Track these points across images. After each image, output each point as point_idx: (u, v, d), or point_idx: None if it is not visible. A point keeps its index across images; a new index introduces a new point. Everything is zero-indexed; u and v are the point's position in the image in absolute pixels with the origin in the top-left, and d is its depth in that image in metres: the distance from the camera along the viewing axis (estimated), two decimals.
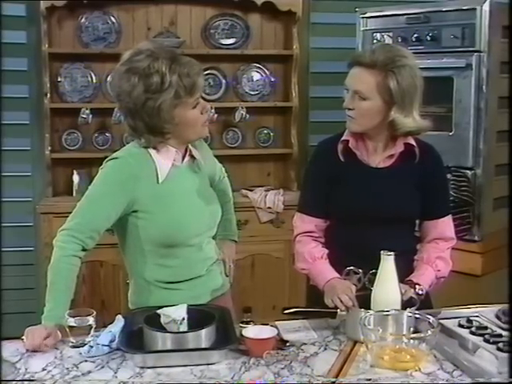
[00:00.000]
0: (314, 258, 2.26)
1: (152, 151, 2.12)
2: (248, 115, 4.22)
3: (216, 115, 4.10)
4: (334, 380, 1.71)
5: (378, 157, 2.26)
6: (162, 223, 2.10)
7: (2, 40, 3.86)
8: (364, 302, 1.99)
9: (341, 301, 2.02)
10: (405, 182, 2.25)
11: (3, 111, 3.94)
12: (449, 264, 2.30)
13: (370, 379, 1.69)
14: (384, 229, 2.20)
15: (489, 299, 2.29)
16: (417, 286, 2.14)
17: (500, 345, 1.80)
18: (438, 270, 2.26)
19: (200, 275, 2.22)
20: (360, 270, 2.17)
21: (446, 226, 2.32)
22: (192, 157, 2.21)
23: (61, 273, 2.04)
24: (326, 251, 2.28)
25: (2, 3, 3.82)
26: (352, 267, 2.18)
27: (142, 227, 2.11)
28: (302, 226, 2.33)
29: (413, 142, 2.24)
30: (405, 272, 2.13)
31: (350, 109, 2.19)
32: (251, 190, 4.05)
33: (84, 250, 2.07)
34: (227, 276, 2.40)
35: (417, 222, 2.36)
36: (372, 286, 2.08)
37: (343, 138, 2.26)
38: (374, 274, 2.10)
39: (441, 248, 2.30)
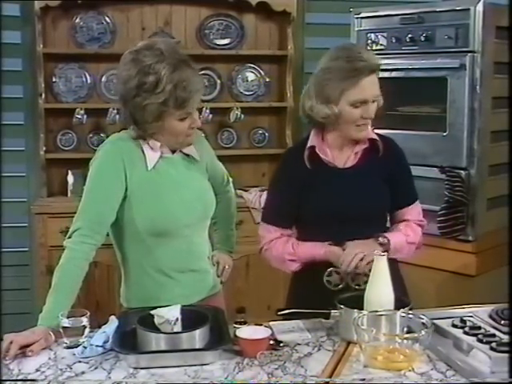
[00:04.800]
0: (294, 246, 2.26)
1: (140, 140, 2.13)
2: (243, 115, 4.22)
3: (211, 115, 4.10)
4: (327, 380, 1.71)
5: (344, 157, 2.27)
6: (151, 211, 2.10)
7: (1, 40, 3.86)
8: (355, 301, 1.98)
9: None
10: (373, 178, 2.28)
11: None
12: (418, 234, 2.33)
13: (363, 379, 1.69)
14: (359, 227, 2.21)
15: (483, 299, 2.30)
16: (380, 239, 2.19)
17: (493, 345, 1.80)
18: (407, 235, 2.29)
19: (191, 269, 2.22)
20: (342, 271, 2.18)
21: (415, 210, 2.36)
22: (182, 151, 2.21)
23: (67, 275, 2.03)
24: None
25: (1, 3, 3.82)
26: (333, 268, 2.19)
27: (131, 215, 2.11)
28: (269, 236, 2.31)
29: (375, 137, 2.27)
30: None
31: (369, 118, 2.20)
32: (246, 191, 4.05)
33: (95, 248, 2.07)
34: (218, 277, 2.40)
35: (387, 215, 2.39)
36: (355, 285, 2.16)
37: (309, 144, 2.26)
38: (358, 274, 2.15)
39: (410, 224, 2.33)
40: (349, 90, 2.14)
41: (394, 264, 2.20)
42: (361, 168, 2.27)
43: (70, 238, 2.08)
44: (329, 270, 2.20)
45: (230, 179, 2.51)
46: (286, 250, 2.27)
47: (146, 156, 2.12)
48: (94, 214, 2.08)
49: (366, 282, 2.11)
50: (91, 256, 2.07)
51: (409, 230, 2.31)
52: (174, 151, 2.19)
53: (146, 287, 2.18)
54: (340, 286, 2.19)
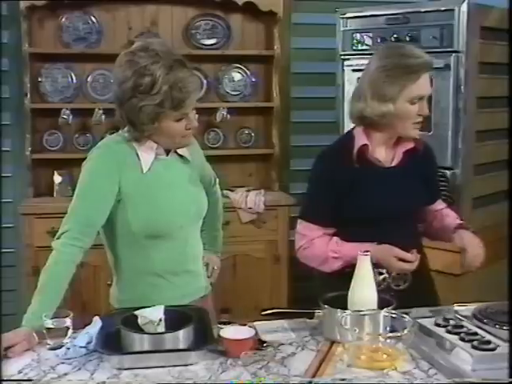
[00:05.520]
0: (339, 244, 2.26)
1: (134, 143, 2.12)
2: (229, 115, 4.21)
3: (197, 115, 4.08)
4: (310, 380, 1.71)
5: (390, 156, 2.31)
6: (146, 213, 2.10)
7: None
8: (339, 301, 1.98)
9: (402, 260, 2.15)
10: (414, 177, 2.33)
11: None
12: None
13: (344, 379, 1.69)
14: (399, 226, 2.26)
15: (467, 298, 2.31)
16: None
17: (475, 343, 1.81)
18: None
19: (185, 270, 2.22)
20: (384, 270, 2.22)
21: (440, 204, 2.49)
22: (176, 152, 2.20)
23: (53, 277, 2.02)
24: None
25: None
26: (375, 268, 2.17)
27: (126, 218, 2.10)
28: (311, 234, 2.30)
29: (418, 136, 2.31)
30: (420, 265, 2.21)
31: (426, 114, 2.24)
32: (232, 191, 4.05)
33: (83, 251, 2.06)
34: (209, 277, 2.40)
35: None
36: (395, 286, 2.22)
37: (360, 143, 2.26)
38: (398, 274, 2.21)
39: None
40: (408, 87, 2.17)
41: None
42: (404, 167, 2.31)
43: (58, 239, 2.06)
44: None
45: (217, 180, 2.51)
46: (331, 247, 2.26)
47: (141, 159, 2.11)
48: (84, 218, 2.07)
49: (405, 282, 2.21)
50: (79, 259, 2.06)
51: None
52: (168, 153, 2.18)
53: (140, 289, 2.18)
54: (381, 287, 2.18)
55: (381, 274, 2.22)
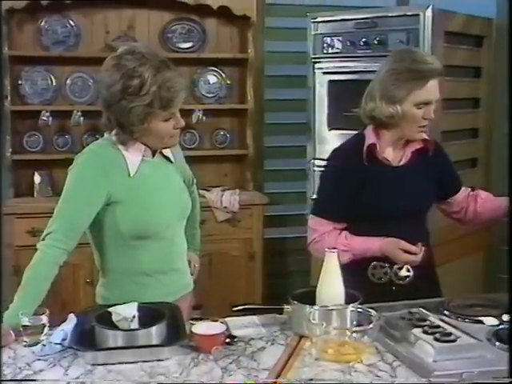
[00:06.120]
0: (348, 238, 2.29)
1: (120, 146, 2.11)
2: (205, 117, 4.21)
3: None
4: (274, 380, 1.70)
5: (399, 155, 2.33)
6: (135, 215, 2.09)
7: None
8: (308, 297, 1.99)
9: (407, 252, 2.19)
10: (423, 176, 2.36)
11: None
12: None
13: (311, 379, 1.69)
14: (407, 223, 2.28)
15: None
16: None
17: (437, 335, 1.84)
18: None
19: (172, 269, 2.22)
20: (386, 265, 2.26)
21: (466, 191, 2.52)
22: (162, 153, 2.20)
23: (36, 277, 2.02)
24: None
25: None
26: (377, 262, 2.25)
27: (114, 219, 2.10)
28: (322, 229, 2.34)
29: (427, 138, 2.34)
30: (425, 261, 2.26)
31: (431, 119, 2.26)
32: (208, 190, 4.05)
33: (66, 253, 2.05)
34: (192, 275, 2.40)
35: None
36: (397, 280, 2.25)
37: (369, 142, 2.29)
38: (400, 268, 2.24)
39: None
40: (415, 91, 2.20)
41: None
42: (413, 166, 2.34)
43: (43, 240, 2.05)
44: (373, 264, 2.27)
45: (195, 180, 2.52)
46: (340, 240, 2.29)
47: (128, 162, 2.11)
48: (69, 222, 2.06)
49: (407, 277, 2.23)
50: (61, 260, 2.05)
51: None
52: (154, 154, 2.18)
53: (128, 288, 2.16)
54: (383, 280, 2.26)
55: (382, 267, 2.26)
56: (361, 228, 2.29)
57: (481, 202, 2.49)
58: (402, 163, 2.34)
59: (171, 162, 2.24)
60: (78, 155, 2.15)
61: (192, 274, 2.40)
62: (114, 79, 2.02)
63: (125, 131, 2.08)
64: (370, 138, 2.31)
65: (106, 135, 2.18)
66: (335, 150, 2.42)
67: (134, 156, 2.12)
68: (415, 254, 2.20)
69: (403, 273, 2.26)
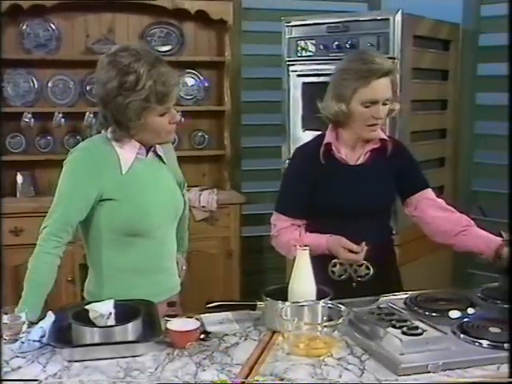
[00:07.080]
0: (300, 234, 2.28)
1: (114, 143, 2.09)
2: (183, 119, 4.17)
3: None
4: (244, 381, 1.68)
5: (356, 155, 2.31)
6: (127, 212, 2.07)
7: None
8: (281, 293, 1.99)
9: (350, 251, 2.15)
10: (382, 176, 2.33)
11: None
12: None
13: (283, 379, 1.68)
14: (364, 221, 2.26)
15: (404, 287, 2.39)
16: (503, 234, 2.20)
17: (404, 329, 1.84)
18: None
19: (163, 268, 2.21)
20: (345, 263, 2.24)
21: (430, 194, 2.40)
22: (155, 152, 2.18)
23: (34, 270, 2.04)
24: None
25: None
26: (337, 259, 2.23)
27: (106, 216, 2.08)
28: (280, 224, 2.34)
29: (385, 137, 2.32)
30: (385, 259, 2.29)
31: (379, 118, 2.22)
32: (187, 190, 4.01)
33: (61, 245, 2.05)
34: (179, 276, 2.38)
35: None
36: (357, 276, 2.23)
37: (325, 141, 2.28)
38: (359, 266, 2.23)
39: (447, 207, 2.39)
40: (360, 90, 2.17)
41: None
42: (370, 166, 2.31)
43: (40, 234, 2.07)
44: (333, 261, 2.25)
45: (185, 184, 2.49)
46: (293, 236, 2.27)
47: (121, 159, 2.08)
48: (61, 216, 2.05)
49: (367, 274, 2.22)
50: (58, 251, 2.05)
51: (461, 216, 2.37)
52: (147, 153, 2.15)
53: (119, 286, 2.14)
54: (343, 277, 2.25)
55: (342, 265, 2.25)
56: (321, 225, 2.28)
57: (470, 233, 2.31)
58: (359, 162, 2.32)
59: (164, 163, 2.22)
60: (72, 151, 2.13)
61: (179, 276, 2.37)
62: (110, 76, 1.99)
63: (121, 128, 2.05)
64: (327, 137, 2.30)
65: (103, 132, 2.14)
66: (297, 149, 2.43)
67: (127, 153, 2.09)
68: (357, 252, 2.16)
69: (362, 270, 2.25)
